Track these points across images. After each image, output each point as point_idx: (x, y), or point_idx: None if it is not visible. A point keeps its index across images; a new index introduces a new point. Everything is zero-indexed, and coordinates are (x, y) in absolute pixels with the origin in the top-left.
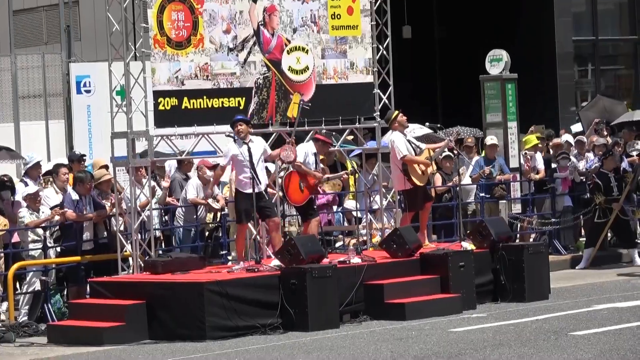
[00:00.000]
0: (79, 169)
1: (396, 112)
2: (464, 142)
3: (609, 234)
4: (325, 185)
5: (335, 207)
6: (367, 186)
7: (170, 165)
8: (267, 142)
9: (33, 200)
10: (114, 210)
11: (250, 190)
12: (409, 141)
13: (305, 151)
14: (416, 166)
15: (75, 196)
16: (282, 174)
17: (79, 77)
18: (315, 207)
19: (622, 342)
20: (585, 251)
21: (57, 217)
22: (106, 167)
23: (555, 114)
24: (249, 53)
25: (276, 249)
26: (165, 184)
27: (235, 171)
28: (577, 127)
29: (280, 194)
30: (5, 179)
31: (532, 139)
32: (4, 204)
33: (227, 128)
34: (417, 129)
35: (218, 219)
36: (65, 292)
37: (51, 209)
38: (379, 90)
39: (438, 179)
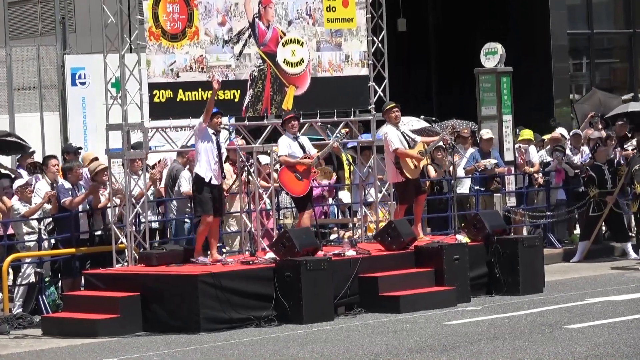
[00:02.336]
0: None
1: (392, 105)
2: (459, 133)
3: (603, 228)
4: (318, 176)
5: (330, 200)
6: (362, 179)
7: (167, 157)
8: (262, 135)
9: (23, 191)
10: (107, 192)
11: (215, 182)
12: (403, 133)
13: (287, 144)
14: (408, 159)
15: (68, 185)
16: (277, 166)
17: (73, 69)
18: (310, 200)
19: (616, 335)
20: (579, 244)
21: (48, 206)
22: (96, 159)
23: (550, 107)
24: (244, 45)
25: (212, 247)
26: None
27: (202, 159)
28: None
29: (276, 185)
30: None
31: (526, 132)
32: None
33: (222, 120)
34: (414, 122)
35: None
36: (59, 284)
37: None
38: (374, 83)
39: (431, 171)
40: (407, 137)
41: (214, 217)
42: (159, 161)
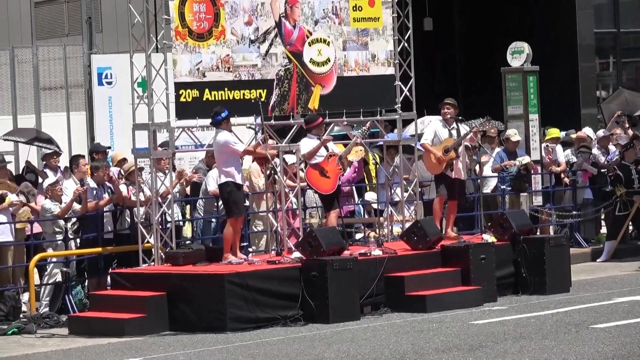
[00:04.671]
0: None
1: (444, 102)
2: (486, 133)
3: (630, 227)
4: (351, 154)
5: (356, 198)
6: (388, 178)
7: (194, 157)
8: (288, 134)
9: (54, 190)
10: (132, 196)
11: (241, 182)
12: (451, 129)
13: (311, 145)
14: (432, 155)
15: (93, 185)
16: (302, 166)
17: (100, 68)
18: (338, 199)
19: None
20: (606, 244)
21: (78, 206)
22: (125, 159)
23: (576, 106)
24: (271, 45)
25: (236, 247)
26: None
27: (228, 163)
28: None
29: (302, 184)
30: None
31: (553, 131)
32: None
33: (248, 120)
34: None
35: None
36: (85, 284)
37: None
38: (400, 83)
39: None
40: (455, 134)
41: (241, 217)
42: (195, 172)
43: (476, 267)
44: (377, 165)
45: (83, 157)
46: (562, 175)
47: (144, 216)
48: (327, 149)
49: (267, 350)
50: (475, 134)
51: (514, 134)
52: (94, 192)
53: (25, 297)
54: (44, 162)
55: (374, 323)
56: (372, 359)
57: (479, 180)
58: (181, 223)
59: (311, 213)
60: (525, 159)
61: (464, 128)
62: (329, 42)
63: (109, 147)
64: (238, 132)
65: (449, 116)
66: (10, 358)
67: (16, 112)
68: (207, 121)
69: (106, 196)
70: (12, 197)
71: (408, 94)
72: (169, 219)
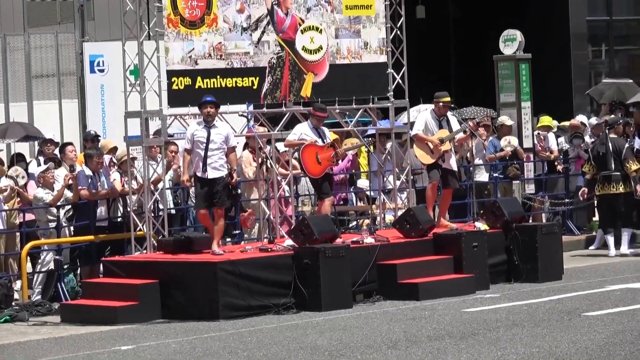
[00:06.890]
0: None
1: (438, 97)
2: (480, 123)
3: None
4: (346, 145)
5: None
6: (380, 166)
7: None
8: (280, 121)
9: (45, 177)
10: (126, 187)
11: (204, 175)
12: (442, 120)
13: (303, 132)
14: (427, 143)
15: (88, 172)
16: (296, 155)
17: (92, 56)
18: (330, 186)
19: (636, 322)
20: (598, 232)
21: (69, 194)
22: (115, 148)
23: (568, 94)
24: (263, 32)
25: (215, 239)
26: (175, 166)
27: (193, 154)
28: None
29: (295, 172)
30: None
31: (545, 119)
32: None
33: (240, 108)
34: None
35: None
36: (78, 271)
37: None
38: (392, 70)
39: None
40: (445, 125)
41: (215, 209)
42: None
43: (468, 254)
44: (370, 153)
45: (71, 144)
46: (555, 163)
47: (136, 204)
48: (323, 140)
49: (259, 338)
50: (474, 127)
51: (507, 119)
52: (89, 179)
53: (17, 284)
54: (40, 150)
55: (366, 311)
56: (364, 346)
57: (471, 168)
58: (173, 211)
59: (304, 201)
60: (513, 140)
61: (453, 118)
62: (321, 29)
63: (99, 135)
64: (231, 120)
65: (442, 110)
66: (3, 346)
67: (8, 100)
68: None
69: (100, 184)
70: (1, 183)
71: (400, 81)
72: (161, 207)
